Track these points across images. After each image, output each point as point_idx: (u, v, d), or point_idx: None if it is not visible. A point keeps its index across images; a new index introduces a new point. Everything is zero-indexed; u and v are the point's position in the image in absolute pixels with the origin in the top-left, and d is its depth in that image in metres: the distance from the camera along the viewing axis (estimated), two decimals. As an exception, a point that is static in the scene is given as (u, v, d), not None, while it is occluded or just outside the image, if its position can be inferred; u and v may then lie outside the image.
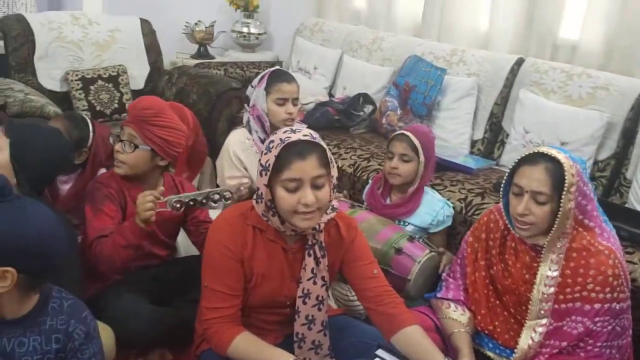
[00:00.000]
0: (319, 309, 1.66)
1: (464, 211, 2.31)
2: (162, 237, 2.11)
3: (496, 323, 1.77)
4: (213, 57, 4.15)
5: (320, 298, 1.65)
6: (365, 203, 2.39)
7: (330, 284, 1.71)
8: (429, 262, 2.10)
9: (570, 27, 2.85)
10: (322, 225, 1.62)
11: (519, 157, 1.64)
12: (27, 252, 1.23)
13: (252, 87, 2.48)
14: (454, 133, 2.89)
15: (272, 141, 1.51)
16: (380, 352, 1.61)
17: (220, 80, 3.18)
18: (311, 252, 1.62)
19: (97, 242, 1.85)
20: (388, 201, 2.33)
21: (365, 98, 3.15)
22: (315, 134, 1.56)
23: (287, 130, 1.54)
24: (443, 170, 2.57)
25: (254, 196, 1.57)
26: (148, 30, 3.46)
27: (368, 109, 3.12)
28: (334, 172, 1.56)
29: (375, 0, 3.71)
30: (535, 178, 1.59)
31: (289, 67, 3.92)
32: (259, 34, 4.31)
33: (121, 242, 1.82)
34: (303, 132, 1.53)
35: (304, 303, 1.64)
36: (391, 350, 1.60)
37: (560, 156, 1.58)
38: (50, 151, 1.73)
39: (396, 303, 1.63)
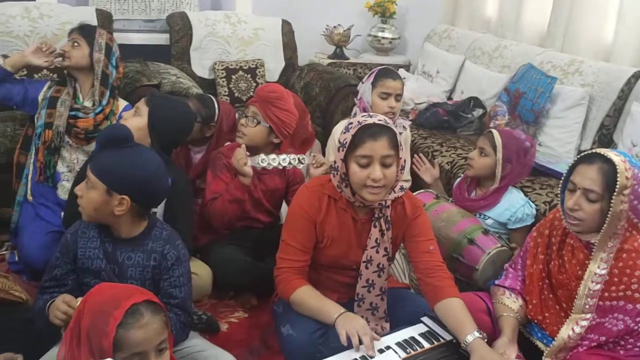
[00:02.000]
0: (379, 276, 1.88)
1: (547, 213, 2.36)
2: (266, 205, 2.46)
3: (546, 314, 1.85)
4: (347, 58, 4.47)
5: (381, 266, 1.87)
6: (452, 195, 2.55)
7: (392, 255, 1.92)
8: (499, 255, 2.21)
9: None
10: (389, 202, 1.84)
11: (578, 156, 1.73)
12: (141, 186, 1.61)
13: (362, 82, 2.75)
14: (560, 141, 2.91)
15: (352, 123, 1.76)
16: (425, 319, 1.79)
17: (341, 76, 3.49)
18: (377, 224, 1.84)
19: (211, 202, 2.25)
20: (473, 195, 2.47)
21: (476, 102, 3.26)
22: (389, 121, 1.79)
23: (366, 115, 1.78)
24: (538, 175, 2.63)
25: (332, 170, 1.84)
26: (287, 30, 3.88)
27: (477, 112, 3.23)
28: (402, 155, 1.77)
29: (505, 10, 3.78)
30: (588, 177, 1.66)
31: (415, 71, 4.13)
32: (392, 39, 4.55)
33: (227, 197, 2.20)
34: (378, 118, 1.76)
35: (366, 268, 1.87)
36: (435, 319, 1.77)
37: (616, 159, 1.63)
38: (178, 121, 2.15)
39: (443, 277, 1.79)
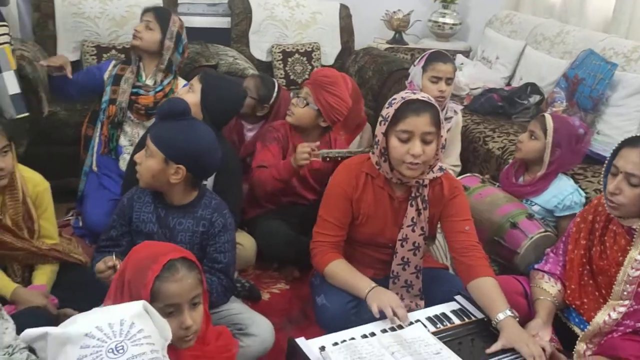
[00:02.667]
0: (414, 254, 1.91)
1: (596, 202, 2.31)
2: (312, 183, 2.52)
3: (585, 300, 1.82)
4: (407, 44, 4.45)
5: (416, 244, 1.90)
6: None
7: (429, 234, 1.95)
8: (542, 241, 2.18)
9: None
10: (427, 181, 1.87)
11: (623, 140, 1.69)
12: (196, 157, 1.70)
13: (413, 65, 2.76)
14: (619, 130, 2.81)
15: (395, 98, 1.79)
16: (458, 297, 1.81)
17: (394, 60, 3.50)
18: (414, 203, 1.87)
19: (257, 170, 2.34)
20: (520, 180, 2.44)
21: (533, 88, 3.20)
22: (433, 99, 1.80)
23: (409, 92, 1.81)
24: (592, 163, 2.57)
25: (372, 146, 1.88)
26: (345, 14, 3.91)
27: (534, 98, 3.16)
28: (444, 134, 1.78)
29: (569, -5, 3.67)
30: (631, 160, 1.62)
31: (474, 57, 4.07)
32: (453, 24, 4.49)
33: (275, 175, 2.28)
34: (422, 94, 1.79)
35: (402, 246, 1.90)
36: (469, 298, 1.79)
37: (662, 142, 1.59)
38: (229, 101, 2.23)
39: (477, 257, 1.80)
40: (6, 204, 1.82)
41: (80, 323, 0.91)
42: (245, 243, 2.26)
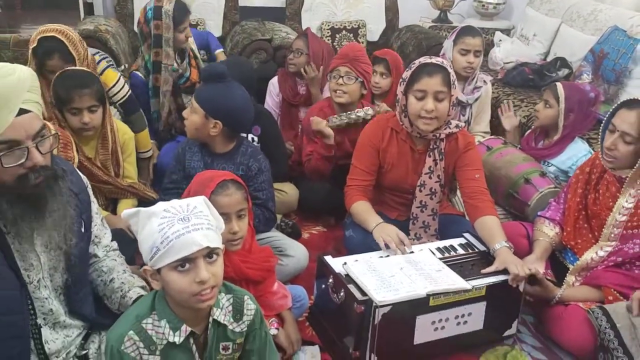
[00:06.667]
0: (431, 198, 2.22)
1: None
2: (349, 149, 2.82)
3: (579, 240, 2.07)
4: (451, 23, 4.68)
5: (433, 190, 2.21)
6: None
7: (444, 182, 2.24)
8: (551, 195, 2.42)
9: None
10: (444, 136, 2.16)
11: (621, 101, 1.92)
12: (230, 113, 2.03)
13: (447, 39, 3.03)
14: (641, 102, 2.99)
15: (414, 63, 2.10)
16: (466, 234, 2.11)
17: (434, 36, 3.76)
18: (431, 154, 2.18)
19: (307, 162, 2.62)
20: (540, 145, 2.69)
21: (562, 62, 3.40)
22: (447, 63, 2.10)
23: (427, 57, 2.11)
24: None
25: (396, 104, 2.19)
26: (390, -7, 4.21)
27: (563, 72, 3.37)
28: (454, 93, 2.08)
29: (607, -26, 3.81)
30: (627, 120, 1.84)
31: (514, 34, 4.27)
32: (497, 4, 4.66)
33: (317, 156, 2.55)
34: (437, 59, 2.08)
35: (420, 191, 2.22)
36: (475, 236, 2.09)
37: (656, 106, 1.81)
38: (243, 75, 2.51)
39: (484, 200, 2.09)
40: (98, 150, 2.24)
41: (161, 204, 1.29)
42: (289, 190, 2.62)
